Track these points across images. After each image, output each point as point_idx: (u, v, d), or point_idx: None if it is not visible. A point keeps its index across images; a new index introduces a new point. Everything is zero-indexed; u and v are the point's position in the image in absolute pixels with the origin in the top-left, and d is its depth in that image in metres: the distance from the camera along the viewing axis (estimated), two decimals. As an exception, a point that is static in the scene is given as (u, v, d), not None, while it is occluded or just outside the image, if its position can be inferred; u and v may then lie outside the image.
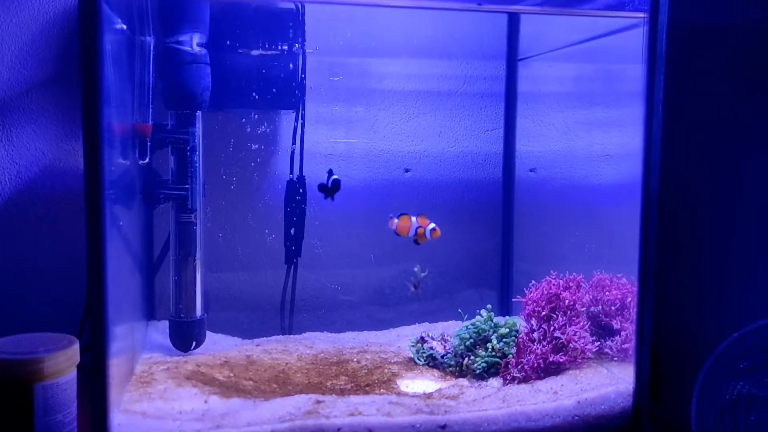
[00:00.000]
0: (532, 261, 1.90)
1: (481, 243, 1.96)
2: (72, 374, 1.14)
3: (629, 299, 1.35)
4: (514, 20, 1.87)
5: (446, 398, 1.25)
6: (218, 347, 1.57)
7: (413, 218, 1.54)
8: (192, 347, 1.51)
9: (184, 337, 1.50)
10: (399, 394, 1.32)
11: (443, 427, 1.11)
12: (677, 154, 1.44)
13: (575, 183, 1.75)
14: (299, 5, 1.61)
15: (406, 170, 1.89)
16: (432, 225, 1.54)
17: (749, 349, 1.26)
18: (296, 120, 1.71)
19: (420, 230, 1.52)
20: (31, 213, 1.64)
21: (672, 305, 1.46)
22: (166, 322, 1.55)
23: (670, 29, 1.18)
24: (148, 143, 1.44)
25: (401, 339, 1.66)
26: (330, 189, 1.47)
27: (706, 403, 1.24)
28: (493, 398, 1.23)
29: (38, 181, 1.66)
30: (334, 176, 1.50)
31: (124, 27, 1.30)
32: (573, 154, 1.76)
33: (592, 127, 1.70)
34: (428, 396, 1.29)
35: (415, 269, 1.69)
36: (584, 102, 1.73)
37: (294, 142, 1.72)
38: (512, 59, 1.89)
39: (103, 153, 1.03)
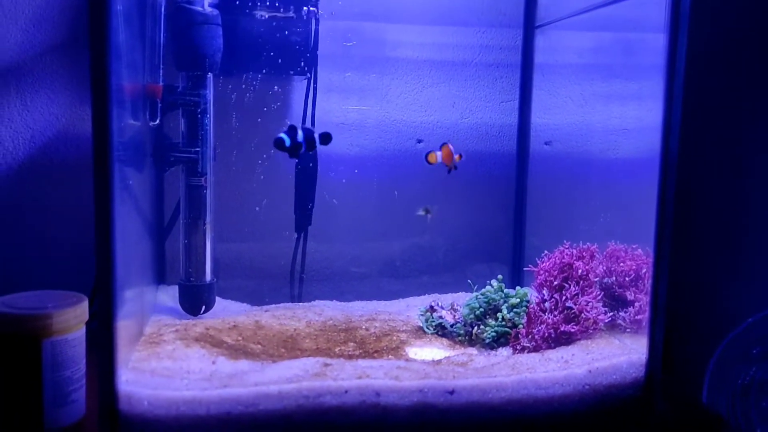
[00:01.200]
0: (545, 236, 1.88)
1: (494, 217, 1.94)
2: (81, 331, 1.14)
3: (644, 270, 1.32)
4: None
5: (455, 365, 1.24)
6: (227, 312, 1.56)
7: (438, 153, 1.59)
8: (201, 311, 1.51)
9: (194, 301, 1.50)
10: (407, 360, 1.31)
11: (451, 392, 1.10)
12: (698, 124, 1.41)
13: (591, 157, 1.72)
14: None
15: (419, 141, 1.87)
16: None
17: (763, 335, 1.24)
18: (308, 86, 1.68)
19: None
20: (45, 178, 1.64)
21: (687, 285, 1.43)
22: (176, 287, 1.54)
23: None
24: (159, 105, 1.43)
25: (410, 308, 1.65)
26: (292, 149, 1.39)
27: (717, 387, 1.23)
28: (502, 365, 1.21)
29: (52, 146, 1.65)
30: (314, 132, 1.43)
31: (135, -17, 1.28)
32: (590, 127, 1.73)
33: (610, 100, 1.66)
34: (437, 363, 1.28)
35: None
36: (602, 74, 1.69)
37: (305, 109, 1.70)
38: (529, 27, 1.85)
39: (112, 113, 1.01)
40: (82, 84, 1.64)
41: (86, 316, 1.15)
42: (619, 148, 1.61)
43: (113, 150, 1.02)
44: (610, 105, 1.66)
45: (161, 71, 1.46)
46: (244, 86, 1.68)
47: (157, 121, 1.44)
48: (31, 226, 1.64)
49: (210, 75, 1.47)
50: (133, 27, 1.32)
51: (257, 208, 1.74)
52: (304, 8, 1.62)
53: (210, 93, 1.48)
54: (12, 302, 1.11)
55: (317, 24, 1.64)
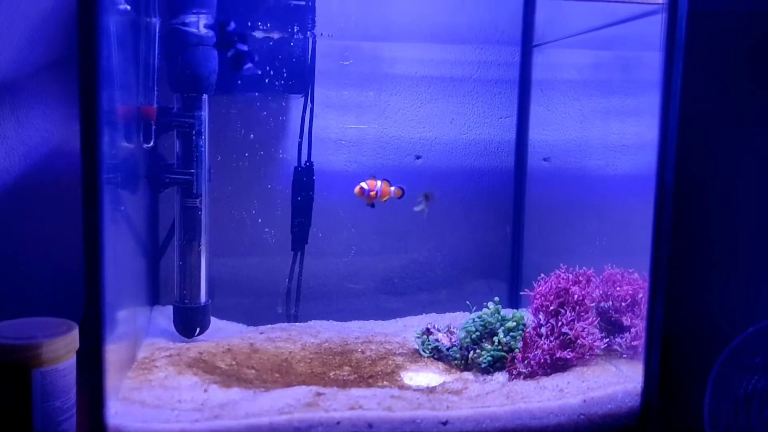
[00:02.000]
0: (543, 252, 1.87)
1: (492, 233, 1.93)
2: (71, 360, 1.13)
3: (640, 295, 1.31)
4: (529, 4, 1.82)
5: (449, 393, 1.23)
6: (222, 334, 1.55)
7: (378, 182, 1.52)
8: (196, 333, 1.50)
9: (188, 323, 1.49)
10: (402, 387, 1.30)
11: (444, 423, 1.09)
12: (694, 146, 1.39)
13: (590, 173, 1.71)
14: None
15: (417, 157, 1.86)
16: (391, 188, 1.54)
17: (764, 344, 1.23)
18: (304, 105, 1.68)
19: (372, 194, 1.50)
20: (39, 194, 1.63)
21: (684, 299, 1.42)
22: (171, 308, 1.54)
23: (690, 16, 1.13)
24: (153, 126, 1.42)
25: (407, 329, 1.64)
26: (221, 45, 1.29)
27: (719, 399, 1.22)
28: (497, 394, 1.20)
29: (46, 162, 1.64)
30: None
31: (128, 8, 1.27)
32: (588, 143, 1.72)
33: (608, 117, 1.65)
34: (431, 390, 1.27)
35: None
36: (601, 90, 1.68)
37: (302, 128, 1.70)
38: (527, 45, 1.84)
39: (101, 136, 1.00)
40: (76, 100, 1.63)
41: (77, 345, 1.14)
42: (618, 164, 1.60)
43: (102, 173, 1.01)
44: (609, 121, 1.65)
45: (156, 93, 1.46)
46: (241, 105, 1.67)
47: (152, 143, 1.43)
48: (24, 242, 1.63)
49: (205, 96, 1.46)
50: (127, 49, 1.31)
51: (259, 220, 1.73)
52: (303, 28, 1.61)
53: (205, 114, 1.47)
54: (2, 331, 1.10)
55: (314, 44, 1.64)
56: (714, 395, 1.22)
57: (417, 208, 1.63)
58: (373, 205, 1.51)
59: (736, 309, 1.34)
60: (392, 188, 1.53)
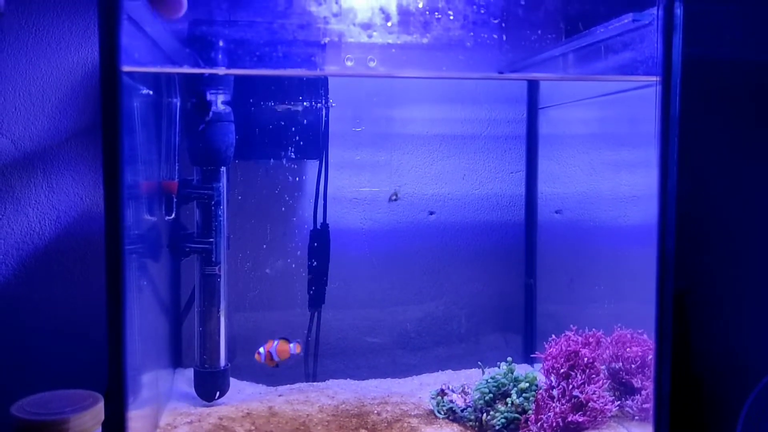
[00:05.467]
0: (557, 303, 1.89)
1: (506, 286, 1.96)
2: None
3: (650, 357, 1.32)
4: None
5: (463, 458, 1.25)
6: (242, 396, 1.59)
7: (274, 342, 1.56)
8: (216, 397, 1.54)
9: (208, 388, 1.54)
10: (416, 451, 1.32)
11: (457, 492, 1.11)
12: (690, 205, 1.43)
13: (602, 224, 1.74)
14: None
15: (431, 213, 1.91)
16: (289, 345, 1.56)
17: None
18: (319, 171, 1.74)
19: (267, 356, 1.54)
20: (70, 257, 1.70)
21: (701, 359, 1.43)
22: (192, 370, 1.58)
23: (684, 89, 1.17)
24: (174, 200, 1.49)
25: (423, 388, 1.66)
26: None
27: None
28: (509, 460, 1.22)
29: (77, 225, 1.71)
30: None
31: (150, 93, 1.35)
32: (599, 195, 1.75)
33: (619, 168, 1.68)
34: (445, 455, 1.29)
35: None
36: (610, 143, 1.71)
37: (317, 191, 1.76)
38: (533, 106, 1.89)
39: (123, 211, 1.05)
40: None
41: (102, 416, 1.19)
42: (630, 215, 1.63)
43: (124, 245, 1.06)
44: (619, 172, 1.68)
45: (177, 166, 1.53)
46: (259, 170, 1.74)
47: (173, 215, 1.50)
48: (56, 303, 1.68)
49: (223, 168, 1.53)
50: (150, 128, 1.39)
51: (277, 280, 1.78)
52: (317, 99, 1.68)
53: (223, 185, 1.53)
54: (29, 407, 1.16)
55: (327, 111, 1.70)
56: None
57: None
58: (277, 365, 1.56)
59: (757, 349, 1.35)
60: (291, 344, 1.56)
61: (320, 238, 1.76)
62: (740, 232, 1.43)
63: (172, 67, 1.47)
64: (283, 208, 1.79)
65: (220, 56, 1.39)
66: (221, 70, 1.42)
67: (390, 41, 1.35)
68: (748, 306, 1.41)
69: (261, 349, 1.55)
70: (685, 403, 1.51)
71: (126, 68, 1.01)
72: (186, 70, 1.48)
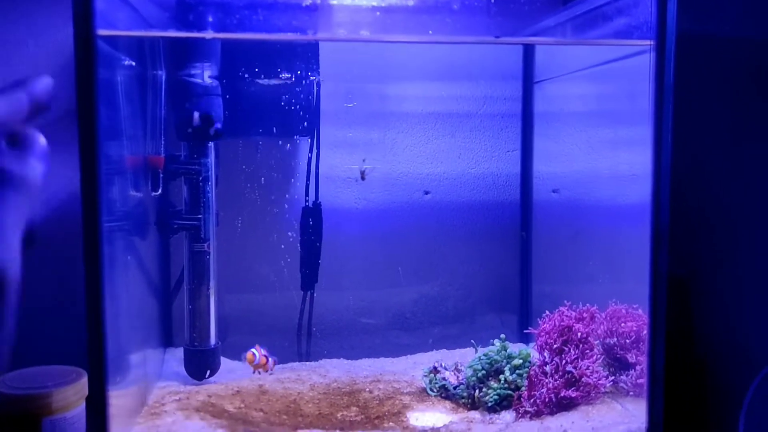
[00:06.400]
0: (552, 283, 1.86)
1: (501, 266, 1.93)
2: (80, 407, 1.16)
3: (644, 332, 1.30)
4: (529, 46, 1.85)
5: (453, 434, 1.23)
6: (233, 375, 1.57)
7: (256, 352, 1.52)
8: (206, 376, 1.52)
9: (198, 366, 1.52)
10: (407, 428, 1.30)
11: (446, 466, 1.09)
12: (688, 187, 1.40)
13: (600, 203, 1.71)
14: (312, 34, 1.62)
15: (426, 192, 1.88)
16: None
17: None
18: (311, 148, 1.71)
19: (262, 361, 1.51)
20: (60, 237, 1.67)
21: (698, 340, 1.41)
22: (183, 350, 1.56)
23: (678, 53, 1.14)
24: (161, 175, 1.46)
25: (416, 367, 1.64)
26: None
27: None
28: (500, 435, 1.20)
29: (66, 207, 1.69)
30: None
31: (133, 64, 1.32)
32: (597, 174, 1.72)
33: (617, 146, 1.65)
34: (436, 431, 1.27)
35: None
36: (608, 120, 1.68)
37: (309, 168, 1.73)
38: (528, 81, 1.86)
39: (100, 179, 1.04)
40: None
41: (86, 392, 1.18)
42: (629, 193, 1.60)
43: (102, 221, 1.05)
44: (617, 151, 1.65)
45: (163, 142, 1.50)
46: (248, 148, 1.71)
47: (159, 191, 1.47)
48: (45, 290, 1.67)
49: (210, 144, 1.50)
50: (134, 101, 1.36)
51: (270, 260, 1.75)
52: (307, 72, 1.65)
53: (211, 161, 1.51)
54: (11, 381, 1.14)
55: (319, 87, 1.67)
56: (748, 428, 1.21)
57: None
58: (259, 372, 1.54)
59: (757, 336, 1.33)
60: (270, 360, 1.54)
61: (312, 217, 1.74)
62: (742, 216, 1.40)
63: (155, 31, 1.45)
64: (273, 187, 1.76)
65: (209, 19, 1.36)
66: (209, 34, 1.39)
67: (375, 3, 1.32)
68: (751, 290, 1.38)
69: (254, 350, 1.51)
70: (689, 387, 1.49)
71: (102, 32, 0.98)
72: (171, 33, 1.45)
